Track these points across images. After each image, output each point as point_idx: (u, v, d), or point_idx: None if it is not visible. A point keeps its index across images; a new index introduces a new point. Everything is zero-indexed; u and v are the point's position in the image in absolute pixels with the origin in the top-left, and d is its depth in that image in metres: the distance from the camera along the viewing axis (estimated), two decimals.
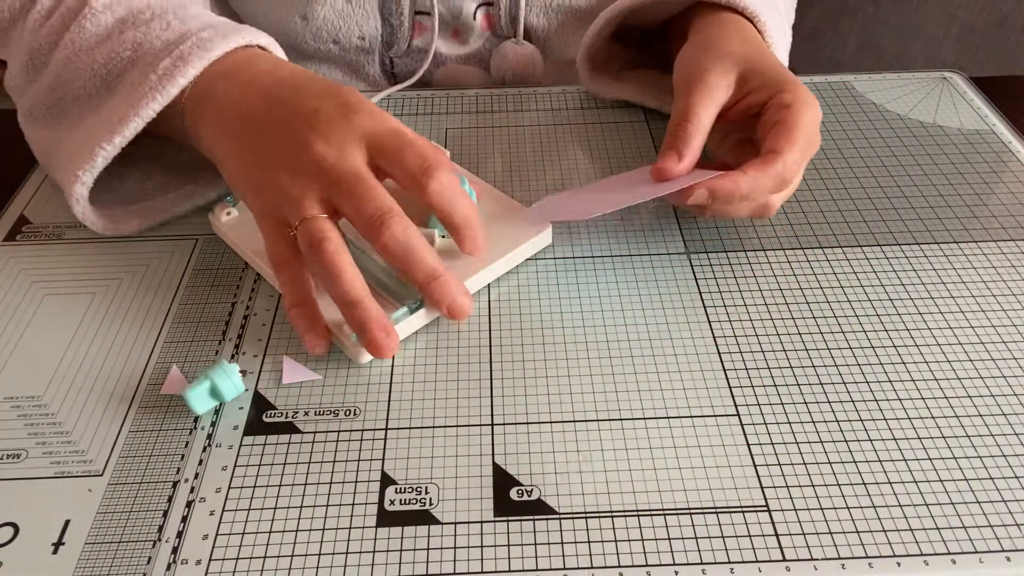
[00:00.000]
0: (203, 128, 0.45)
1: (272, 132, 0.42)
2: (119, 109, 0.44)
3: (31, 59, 0.48)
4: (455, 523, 0.35)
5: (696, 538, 0.35)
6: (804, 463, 0.37)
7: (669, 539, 0.35)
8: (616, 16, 0.56)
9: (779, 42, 0.53)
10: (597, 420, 0.39)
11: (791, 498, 0.36)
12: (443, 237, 0.47)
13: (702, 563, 0.34)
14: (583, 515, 0.35)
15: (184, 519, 0.36)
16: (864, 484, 0.36)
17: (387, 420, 0.40)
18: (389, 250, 0.40)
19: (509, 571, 0.34)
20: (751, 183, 0.43)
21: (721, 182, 0.43)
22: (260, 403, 0.40)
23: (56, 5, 0.48)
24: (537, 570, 0.34)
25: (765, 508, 0.36)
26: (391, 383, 0.41)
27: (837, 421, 0.39)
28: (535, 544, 0.34)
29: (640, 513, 0.35)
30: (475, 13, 0.65)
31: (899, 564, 0.34)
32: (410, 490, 0.37)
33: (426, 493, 0.36)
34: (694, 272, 0.47)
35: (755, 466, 0.37)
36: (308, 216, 0.40)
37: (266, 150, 0.42)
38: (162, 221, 0.50)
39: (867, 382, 0.41)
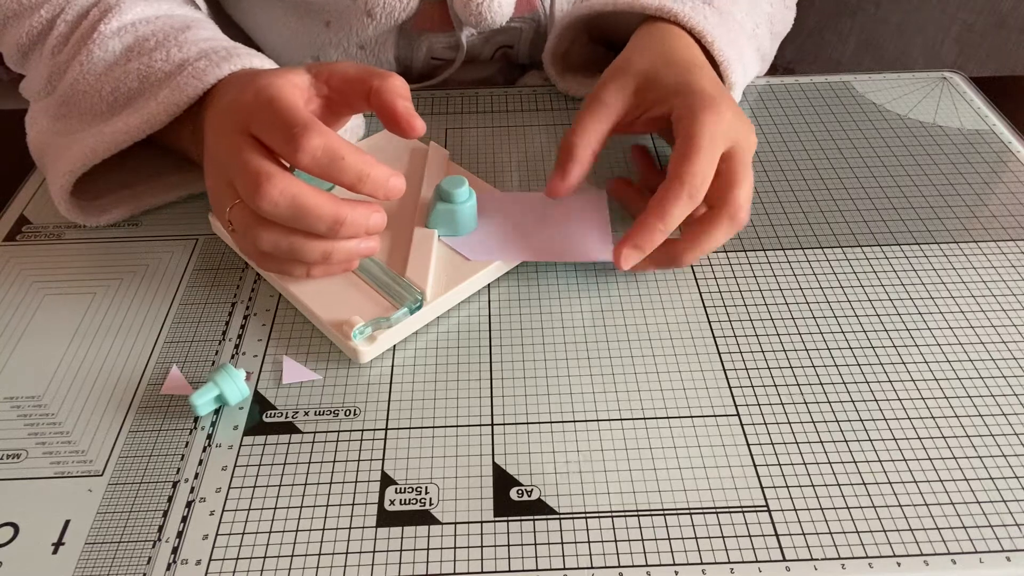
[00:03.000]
0: (192, 147, 0.48)
1: (214, 140, 0.42)
2: (117, 129, 0.46)
3: (49, 81, 0.50)
4: (455, 523, 0.35)
5: (696, 538, 0.35)
6: (804, 463, 0.37)
7: (669, 539, 0.35)
8: (573, 24, 0.58)
9: (732, 57, 0.52)
10: (597, 420, 0.39)
11: (791, 498, 0.36)
12: (441, 238, 0.47)
13: (702, 563, 0.34)
14: (583, 515, 0.35)
15: (184, 519, 0.36)
16: (864, 484, 0.36)
17: (387, 420, 0.40)
18: (275, 216, 0.38)
19: (509, 571, 0.34)
20: (666, 217, 0.42)
21: (640, 234, 0.42)
22: (260, 403, 0.40)
23: (71, 31, 0.49)
24: (537, 570, 0.34)
25: (765, 508, 0.36)
26: (391, 383, 0.41)
27: (837, 421, 0.39)
28: (535, 544, 0.34)
29: (640, 513, 0.35)
30: (494, 54, 0.66)
31: (899, 564, 0.34)
32: (410, 490, 0.37)
33: (426, 493, 0.36)
34: (694, 272, 0.47)
35: (755, 466, 0.37)
36: (232, 206, 0.40)
37: (211, 162, 0.42)
38: (147, 208, 0.51)
39: (867, 382, 0.41)
